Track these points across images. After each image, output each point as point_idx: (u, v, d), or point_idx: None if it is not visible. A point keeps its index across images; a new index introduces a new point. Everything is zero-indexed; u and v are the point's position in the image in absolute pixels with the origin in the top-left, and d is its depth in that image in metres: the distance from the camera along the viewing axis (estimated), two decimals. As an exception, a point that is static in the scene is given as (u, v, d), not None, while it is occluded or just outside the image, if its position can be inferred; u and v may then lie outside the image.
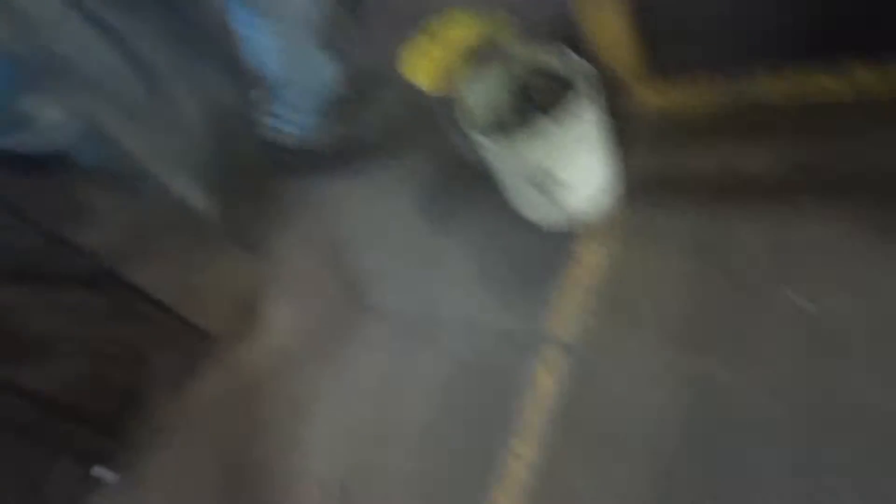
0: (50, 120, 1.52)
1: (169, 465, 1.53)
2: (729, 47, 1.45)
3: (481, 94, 1.45)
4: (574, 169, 1.36)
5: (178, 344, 1.63)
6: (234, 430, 1.52)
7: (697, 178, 1.46)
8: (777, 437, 1.11)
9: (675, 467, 1.14)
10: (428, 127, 1.66)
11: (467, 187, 1.67)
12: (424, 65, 1.57)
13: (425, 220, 1.68)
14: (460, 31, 1.60)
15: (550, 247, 1.48)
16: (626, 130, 1.52)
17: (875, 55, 1.35)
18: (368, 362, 1.49)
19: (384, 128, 1.86)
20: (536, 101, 1.46)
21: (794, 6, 1.34)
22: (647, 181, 1.48)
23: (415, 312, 1.54)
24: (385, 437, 1.37)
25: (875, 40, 1.34)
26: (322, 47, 1.67)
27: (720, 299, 1.28)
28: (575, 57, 1.34)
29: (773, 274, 1.28)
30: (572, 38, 1.44)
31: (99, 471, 1.49)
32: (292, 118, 1.78)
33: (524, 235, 1.53)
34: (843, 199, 1.34)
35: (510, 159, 1.36)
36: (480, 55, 1.55)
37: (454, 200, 1.68)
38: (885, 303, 1.20)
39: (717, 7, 1.40)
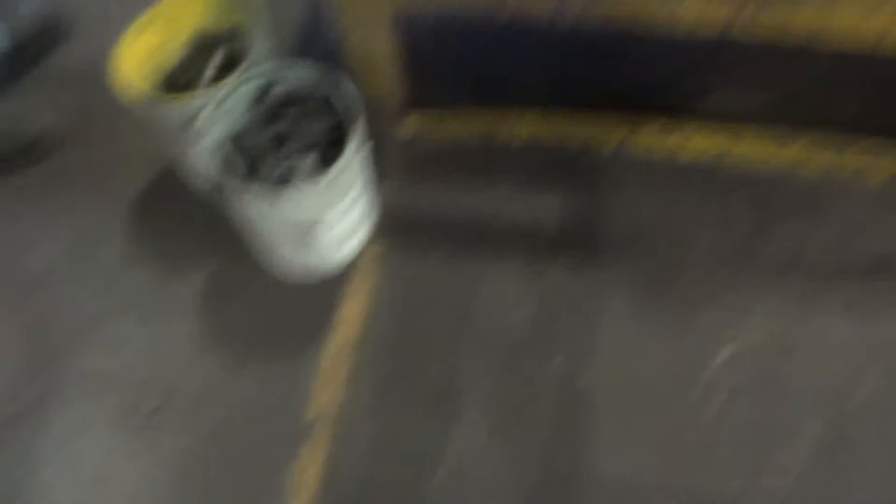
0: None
1: None
2: (489, 87, 1.51)
3: (223, 118, 1.27)
4: (337, 214, 1.28)
5: None
6: None
7: (457, 217, 1.47)
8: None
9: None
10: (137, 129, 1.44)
11: (195, 224, 1.47)
12: (135, 59, 1.33)
13: (146, 265, 1.46)
14: (192, 18, 1.41)
15: (305, 299, 1.38)
16: (387, 162, 1.50)
17: (632, 111, 1.43)
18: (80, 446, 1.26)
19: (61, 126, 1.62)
20: (288, 135, 1.28)
21: (548, 58, 1.43)
22: (406, 218, 1.47)
23: (138, 378, 1.32)
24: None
25: (629, 99, 1.43)
26: None
27: (472, 359, 1.28)
28: (344, 81, 1.25)
29: (525, 332, 1.31)
30: (331, 57, 1.38)
31: None
32: None
33: (273, 288, 1.40)
34: (598, 255, 1.39)
35: (268, 212, 1.21)
36: (221, 58, 1.40)
37: (177, 240, 1.48)
38: (632, 367, 1.25)
39: (477, 51, 1.46)
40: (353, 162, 1.22)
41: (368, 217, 1.42)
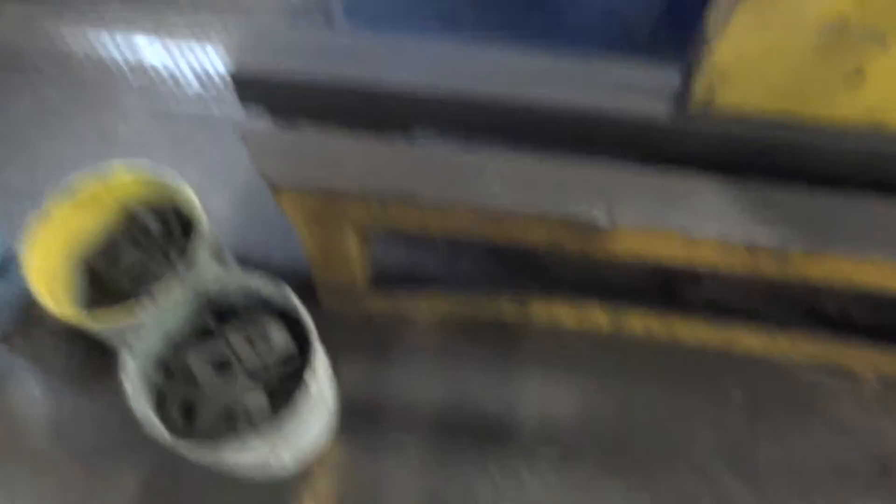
0: None
1: None
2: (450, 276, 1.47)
3: (155, 337, 1.10)
4: (299, 430, 1.12)
5: None
6: None
7: (425, 409, 1.35)
8: None
9: None
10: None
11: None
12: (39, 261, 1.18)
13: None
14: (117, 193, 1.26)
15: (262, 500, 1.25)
16: (347, 345, 1.39)
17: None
18: None
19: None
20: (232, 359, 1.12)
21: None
22: (369, 411, 1.35)
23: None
24: None
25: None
26: None
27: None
28: (291, 299, 1.10)
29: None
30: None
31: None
32: None
33: (229, 488, 1.24)
34: (584, 455, 1.29)
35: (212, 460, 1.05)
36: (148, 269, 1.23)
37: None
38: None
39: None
40: (313, 392, 1.07)
41: (329, 416, 1.27)
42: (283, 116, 1.22)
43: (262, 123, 1.16)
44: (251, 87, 1.13)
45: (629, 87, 1.04)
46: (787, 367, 1.38)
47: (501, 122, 1.09)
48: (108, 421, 1.34)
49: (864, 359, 1.36)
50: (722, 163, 1.06)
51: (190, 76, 1.86)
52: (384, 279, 1.44)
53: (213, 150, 1.71)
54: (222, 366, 1.11)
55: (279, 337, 1.14)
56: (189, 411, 1.07)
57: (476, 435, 1.32)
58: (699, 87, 0.95)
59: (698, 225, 0.98)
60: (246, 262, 1.52)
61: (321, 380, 1.07)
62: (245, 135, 1.09)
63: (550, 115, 1.05)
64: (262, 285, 1.11)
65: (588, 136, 1.08)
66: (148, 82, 1.84)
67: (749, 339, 1.38)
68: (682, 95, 1.00)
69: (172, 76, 1.86)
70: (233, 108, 1.20)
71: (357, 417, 1.33)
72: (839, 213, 1.00)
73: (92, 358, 1.37)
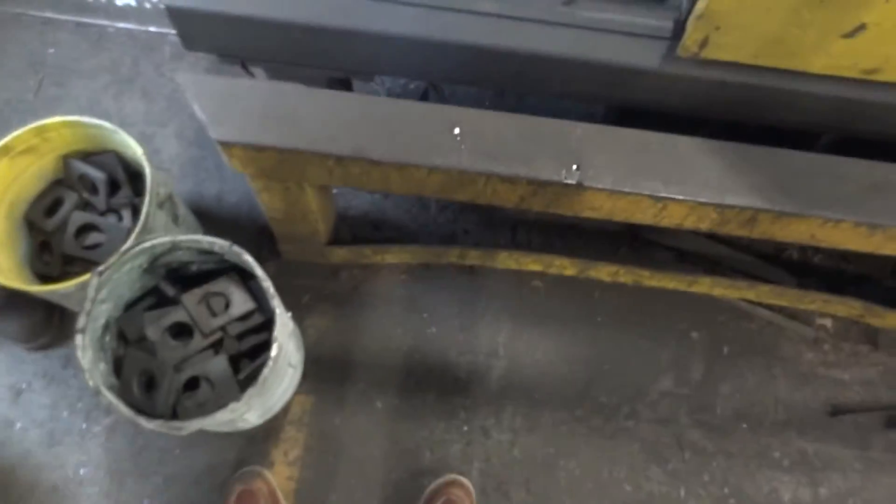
0: None
1: None
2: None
3: (108, 301, 1.04)
4: (263, 395, 1.08)
5: None
6: None
7: (389, 359, 1.34)
8: None
9: None
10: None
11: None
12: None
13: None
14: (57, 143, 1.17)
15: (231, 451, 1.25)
16: (311, 297, 1.37)
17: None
18: None
19: None
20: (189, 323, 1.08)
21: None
22: (334, 365, 1.34)
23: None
24: None
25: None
26: None
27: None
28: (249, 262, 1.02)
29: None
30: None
31: None
32: None
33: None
34: (550, 405, 1.29)
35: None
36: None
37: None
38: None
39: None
40: (277, 359, 1.03)
41: (294, 373, 1.26)
42: (230, 57, 1.13)
43: (204, 71, 1.07)
44: (193, 25, 1.03)
45: (612, 31, 0.97)
46: (745, 310, 1.41)
47: (474, 71, 1.03)
48: (67, 381, 1.31)
49: (820, 303, 1.38)
50: (705, 112, 1.02)
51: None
52: (346, 230, 1.40)
53: (153, 74, 1.60)
54: (180, 331, 1.07)
55: (238, 297, 1.10)
56: (149, 381, 1.04)
57: (443, 385, 1.32)
58: (692, 34, 0.90)
59: (668, 188, 0.96)
60: (199, 204, 1.45)
61: (284, 344, 1.04)
62: (188, 87, 1.00)
63: (528, 61, 0.98)
64: (217, 246, 1.06)
65: (566, 84, 1.02)
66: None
67: (710, 283, 1.39)
68: (672, 42, 0.94)
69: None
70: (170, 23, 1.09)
71: (323, 367, 1.33)
72: (806, 174, 0.98)
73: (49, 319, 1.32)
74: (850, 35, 0.86)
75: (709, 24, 0.87)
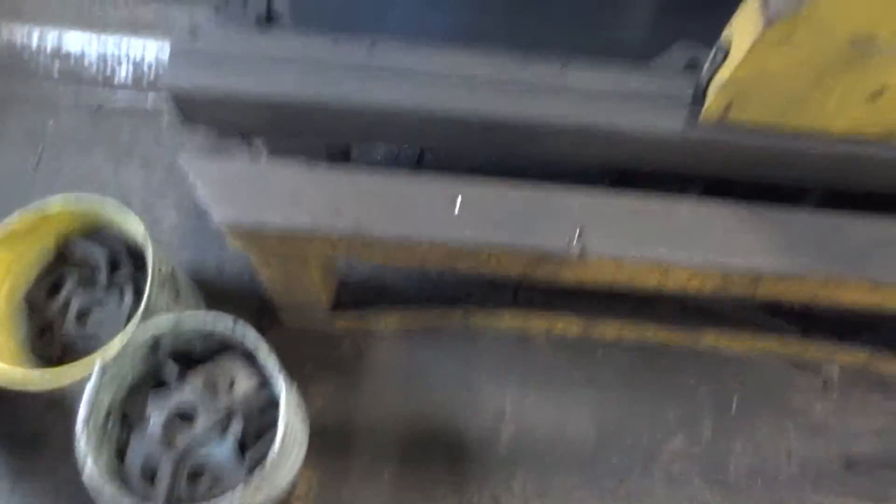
0: None
1: None
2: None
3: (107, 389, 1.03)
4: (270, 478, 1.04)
5: None
6: None
7: (396, 430, 1.32)
8: None
9: None
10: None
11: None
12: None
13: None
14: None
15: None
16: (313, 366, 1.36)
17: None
18: None
19: None
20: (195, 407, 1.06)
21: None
22: (340, 435, 1.32)
23: None
24: None
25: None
26: None
27: None
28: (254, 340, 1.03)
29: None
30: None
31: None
32: None
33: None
34: (560, 467, 1.28)
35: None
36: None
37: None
38: None
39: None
40: (285, 441, 1.01)
41: (301, 448, 1.24)
42: (230, 134, 1.14)
43: (204, 154, 1.08)
44: (192, 107, 1.05)
45: (628, 98, 0.97)
46: (751, 362, 1.40)
47: (480, 142, 1.03)
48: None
49: (826, 352, 1.38)
50: (720, 174, 1.03)
51: (118, 65, 1.73)
52: (348, 296, 1.40)
53: (152, 146, 1.61)
54: (184, 417, 1.06)
55: (242, 374, 1.09)
56: (153, 470, 1.02)
57: (451, 452, 1.30)
58: (715, 101, 0.91)
59: (672, 254, 0.96)
60: (199, 274, 1.45)
61: (291, 423, 1.03)
62: (190, 169, 1.01)
63: (531, 133, 0.99)
64: (222, 327, 1.05)
65: (576, 156, 1.02)
66: (74, 72, 1.71)
67: (714, 337, 1.38)
68: (693, 107, 0.95)
69: (100, 65, 1.72)
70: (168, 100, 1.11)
71: (327, 438, 1.31)
72: (812, 233, 0.98)
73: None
74: (872, 99, 0.87)
75: (732, 91, 0.89)
